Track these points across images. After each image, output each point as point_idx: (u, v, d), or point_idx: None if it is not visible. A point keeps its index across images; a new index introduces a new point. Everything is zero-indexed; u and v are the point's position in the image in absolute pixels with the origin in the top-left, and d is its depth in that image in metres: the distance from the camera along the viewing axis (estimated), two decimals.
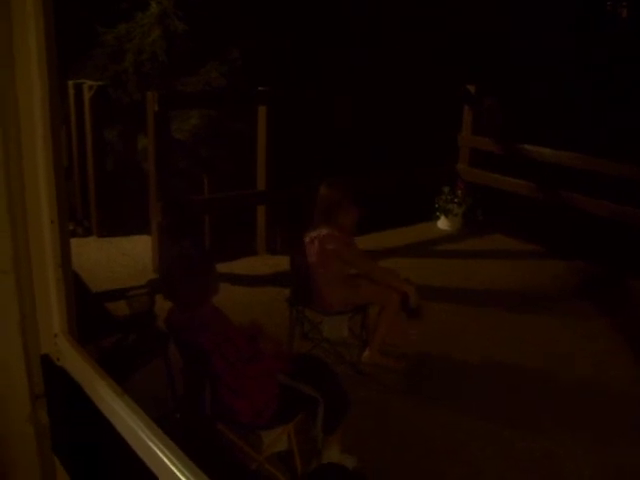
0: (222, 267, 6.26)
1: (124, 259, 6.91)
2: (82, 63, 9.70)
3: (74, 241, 6.80)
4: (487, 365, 5.01)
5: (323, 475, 3.48)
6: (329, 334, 4.79)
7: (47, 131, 1.24)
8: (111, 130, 8.80)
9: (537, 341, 5.40)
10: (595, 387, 4.78)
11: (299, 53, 10.75)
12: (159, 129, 6.09)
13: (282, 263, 6.08)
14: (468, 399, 4.59)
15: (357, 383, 4.64)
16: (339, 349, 4.94)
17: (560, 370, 4.97)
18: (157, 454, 1.01)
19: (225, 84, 9.76)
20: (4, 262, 1.29)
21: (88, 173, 7.62)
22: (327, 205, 4.63)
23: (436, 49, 11.16)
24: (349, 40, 11.20)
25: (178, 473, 0.95)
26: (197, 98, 7.99)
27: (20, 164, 1.27)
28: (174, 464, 0.97)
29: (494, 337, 5.44)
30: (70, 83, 7.64)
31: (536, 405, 4.54)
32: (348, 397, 3.67)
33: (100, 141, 7.67)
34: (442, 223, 8.04)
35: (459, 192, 7.93)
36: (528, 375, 4.90)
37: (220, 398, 3.33)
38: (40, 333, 1.36)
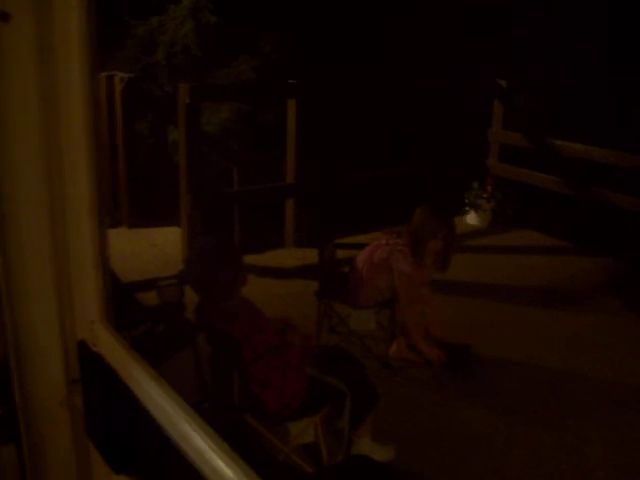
0: (250, 259, 6.30)
1: (154, 250, 6.97)
2: (114, 55, 9.79)
3: None
4: (514, 360, 4.99)
5: (349, 466, 3.50)
6: (356, 326, 4.80)
7: (87, 122, 1.27)
8: (142, 122, 8.87)
9: (565, 337, 5.38)
10: (621, 384, 4.75)
11: (329, 46, 10.75)
12: (190, 121, 6.12)
13: (309, 256, 6.10)
14: (494, 394, 4.59)
15: (384, 377, 4.65)
16: (366, 342, 4.95)
17: (587, 366, 4.95)
18: (192, 438, 1.04)
19: (256, 77, 9.80)
20: (43, 250, 1.32)
21: (119, 164, 7.69)
22: (422, 227, 4.57)
23: (466, 45, 11.13)
24: (379, 35, 11.19)
25: (215, 457, 0.97)
26: (228, 91, 8.02)
27: (60, 155, 1.30)
28: (212, 448, 0.99)
29: (521, 332, 5.43)
30: (102, 75, 7.70)
31: (562, 401, 4.52)
32: (376, 390, 3.69)
33: (131, 133, 7.73)
34: (471, 218, 8.01)
35: (488, 187, 7.90)
36: (554, 371, 4.89)
37: (248, 388, 3.36)
38: (77, 320, 1.39)
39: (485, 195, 7.88)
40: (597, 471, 3.84)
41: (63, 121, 1.29)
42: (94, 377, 1.37)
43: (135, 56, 9.92)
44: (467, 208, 7.99)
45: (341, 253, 5.30)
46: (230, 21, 9.97)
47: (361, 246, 4.97)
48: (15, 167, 1.26)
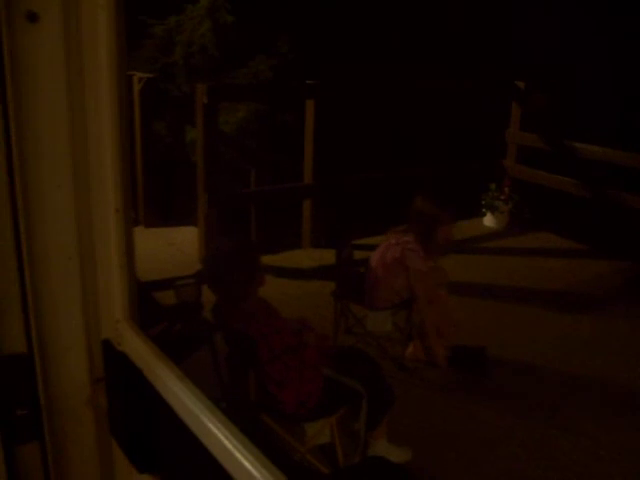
0: (267, 260, 6.30)
1: (171, 249, 6.99)
2: (132, 55, 9.83)
3: None
4: (530, 363, 4.98)
5: (365, 467, 3.50)
6: (373, 328, 4.80)
7: (115, 122, 1.27)
8: (160, 122, 8.90)
9: (581, 340, 5.35)
10: (638, 388, 4.73)
11: (346, 46, 10.75)
12: (208, 121, 6.14)
13: (326, 256, 6.11)
14: (511, 396, 4.58)
15: (400, 378, 4.65)
16: (383, 344, 4.95)
17: (604, 370, 4.93)
18: (218, 437, 1.04)
19: (273, 77, 9.81)
20: (69, 249, 1.33)
21: (136, 164, 7.71)
22: (426, 219, 4.55)
23: (483, 46, 11.11)
24: (396, 35, 11.18)
25: (242, 457, 0.97)
26: (246, 91, 8.03)
27: (86, 153, 1.30)
28: (239, 449, 0.99)
29: (537, 335, 5.41)
30: None
31: (578, 404, 4.50)
32: (392, 392, 3.68)
33: (148, 132, 7.75)
34: (488, 220, 7.99)
35: (506, 189, 7.87)
36: (571, 374, 4.87)
37: (266, 388, 3.36)
38: (102, 319, 1.39)
39: (502, 197, 7.85)
40: (614, 476, 3.82)
41: (91, 121, 1.29)
42: (119, 376, 1.37)
43: (153, 56, 9.96)
44: (484, 210, 7.97)
45: (358, 254, 5.30)
46: (247, 21, 9.99)
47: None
48: (42, 166, 1.27)
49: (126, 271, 1.36)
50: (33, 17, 1.21)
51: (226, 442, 1.01)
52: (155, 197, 7.78)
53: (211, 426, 1.06)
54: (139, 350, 1.31)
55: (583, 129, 9.07)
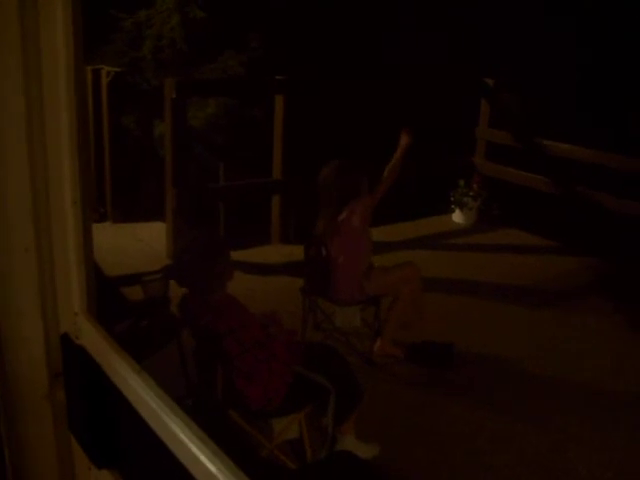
0: (236, 255, 6.26)
1: (139, 245, 6.94)
2: (100, 49, 9.75)
3: None
4: (498, 358, 5.00)
5: (332, 462, 3.49)
6: (341, 324, 4.79)
7: (72, 113, 1.25)
8: (128, 116, 8.83)
9: (550, 336, 5.39)
10: (606, 383, 4.77)
11: (317, 42, 10.74)
12: (176, 116, 6.10)
13: (295, 252, 6.09)
14: (479, 392, 4.60)
15: (368, 373, 4.65)
16: (351, 339, 4.94)
17: (572, 366, 4.96)
18: (175, 431, 1.03)
19: (243, 72, 9.78)
20: (26, 241, 1.31)
21: (104, 159, 7.65)
22: (352, 188, 4.56)
23: (455, 42, 11.14)
24: (367, 31, 11.18)
25: (198, 451, 0.96)
26: (215, 86, 7.99)
27: (44, 145, 1.28)
28: (195, 443, 0.98)
29: (506, 331, 5.44)
30: (88, 68, 7.65)
31: (547, 400, 4.53)
32: (361, 387, 3.68)
33: (117, 127, 7.69)
34: (457, 216, 8.02)
35: (475, 185, 7.90)
36: (539, 370, 4.90)
37: (232, 384, 3.34)
38: (60, 312, 1.37)
39: (471, 193, 7.88)
40: (579, 468, 3.85)
41: (48, 113, 1.27)
42: (77, 371, 1.36)
43: (122, 50, 9.88)
44: (453, 206, 8.00)
45: None
46: (218, 16, 9.94)
47: None
48: None
49: (84, 264, 1.34)
50: None
51: (184, 437, 1.00)
52: (123, 192, 7.72)
53: (168, 420, 1.05)
54: (97, 344, 1.29)
55: (554, 127, 9.13)
